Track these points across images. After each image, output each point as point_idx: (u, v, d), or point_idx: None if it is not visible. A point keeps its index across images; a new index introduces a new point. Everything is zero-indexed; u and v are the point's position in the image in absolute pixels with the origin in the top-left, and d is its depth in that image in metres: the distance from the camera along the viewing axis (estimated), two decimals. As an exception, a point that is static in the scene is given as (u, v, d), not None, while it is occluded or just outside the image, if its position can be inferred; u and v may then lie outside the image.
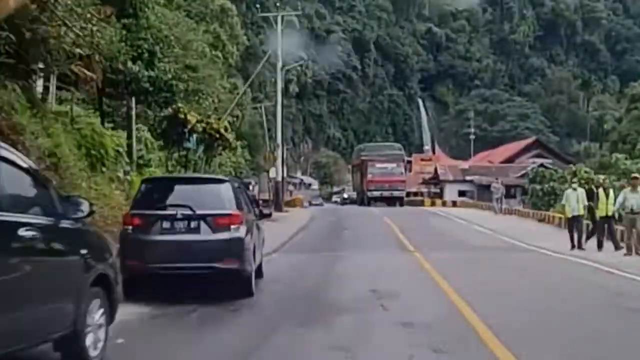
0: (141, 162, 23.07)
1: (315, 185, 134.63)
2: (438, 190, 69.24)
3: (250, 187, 20.44)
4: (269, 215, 15.36)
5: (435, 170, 71.65)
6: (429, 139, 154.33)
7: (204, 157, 27.80)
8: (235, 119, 48.94)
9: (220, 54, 49.64)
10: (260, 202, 40.21)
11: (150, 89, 18.61)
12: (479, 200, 53.45)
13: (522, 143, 77.83)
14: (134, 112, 19.60)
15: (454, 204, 54.13)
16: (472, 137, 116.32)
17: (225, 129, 27.43)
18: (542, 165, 57.40)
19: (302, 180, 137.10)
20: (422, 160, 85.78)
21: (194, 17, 45.58)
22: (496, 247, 22.17)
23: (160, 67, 18.86)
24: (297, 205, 54.60)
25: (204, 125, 26.05)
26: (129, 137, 19.53)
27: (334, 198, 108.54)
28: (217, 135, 26.66)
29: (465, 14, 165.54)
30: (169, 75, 18.87)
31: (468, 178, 65.83)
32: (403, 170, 62.01)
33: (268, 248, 19.39)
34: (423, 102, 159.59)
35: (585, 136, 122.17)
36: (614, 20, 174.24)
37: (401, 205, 56.36)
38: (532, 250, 21.08)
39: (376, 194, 58.07)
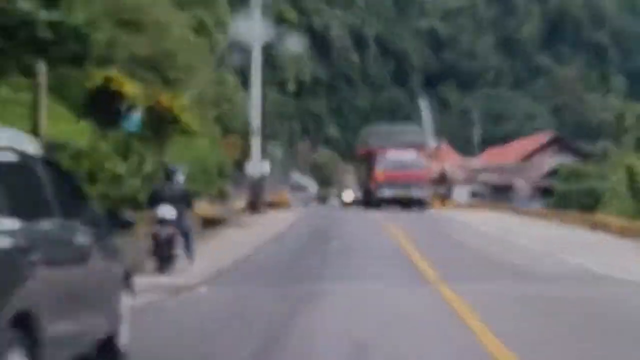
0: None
1: (313, 186, 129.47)
2: (446, 191, 63.15)
3: (178, 177, 13.97)
4: (128, 224, 8.30)
5: (443, 169, 65.54)
6: (431, 138, 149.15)
7: (153, 145, 21.69)
8: (221, 112, 43.86)
9: (206, 42, 44.50)
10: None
11: (52, 38, 12.45)
12: (492, 202, 47.64)
13: (539, 139, 71.00)
14: (43, 76, 13.73)
15: (468, 206, 48.30)
16: (477, 137, 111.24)
17: (182, 109, 21.09)
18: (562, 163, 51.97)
19: (299, 181, 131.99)
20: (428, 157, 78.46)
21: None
22: (581, 279, 13.71)
23: (68, 9, 12.66)
24: (283, 206, 47.40)
25: (150, 102, 19.68)
26: (35, 109, 13.62)
27: (332, 200, 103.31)
28: (170, 116, 20.23)
29: (469, 10, 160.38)
30: (81, 20, 12.60)
31: (480, 178, 59.87)
32: (425, 162, 45.78)
33: (204, 274, 13.67)
34: (425, 101, 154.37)
35: (594, 137, 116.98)
36: (622, 18, 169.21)
37: (422, 208, 41.82)
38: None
39: (388, 194, 42.65)
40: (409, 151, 44.68)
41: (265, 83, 35.76)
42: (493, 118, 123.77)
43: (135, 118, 18.08)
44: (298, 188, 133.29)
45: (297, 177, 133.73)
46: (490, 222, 30.55)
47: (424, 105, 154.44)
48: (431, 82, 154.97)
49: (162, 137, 20.36)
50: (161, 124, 19.56)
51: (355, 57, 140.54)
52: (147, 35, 31.56)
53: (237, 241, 21.49)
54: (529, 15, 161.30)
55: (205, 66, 42.32)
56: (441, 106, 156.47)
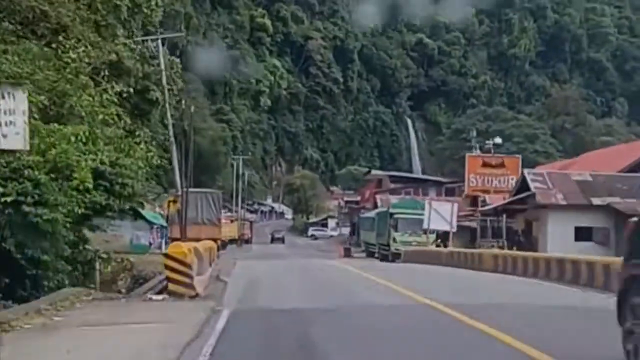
0: None
1: (289, 213, 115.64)
2: (521, 227, 38.07)
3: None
4: None
5: (524, 181, 36.61)
6: (418, 163, 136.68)
7: None
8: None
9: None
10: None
11: None
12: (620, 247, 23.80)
13: (625, 149, 46.87)
14: None
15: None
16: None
17: None
18: None
19: (272, 208, 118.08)
20: (486, 163, 44.25)
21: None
22: None
23: None
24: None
25: None
26: None
27: (311, 231, 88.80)
28: None
29: (460, 25, 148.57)
30: None
31: (597, 201, 33.66)
32: None
33: None
34: (412, 121, 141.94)
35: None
36: (622, 37, 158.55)
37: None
38: None
39: None
40: None
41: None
42: (491, 138, 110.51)
43: None
44: (273, 216, 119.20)
45: (272, 203, 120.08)
46: None
47: (411, 127, 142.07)
48: (418, 101, 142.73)
49: None
50: None
51: (337, 71, 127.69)
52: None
53: None
54: (524, 31, 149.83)
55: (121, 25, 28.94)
56: (429, 127, 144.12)
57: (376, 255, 45.00)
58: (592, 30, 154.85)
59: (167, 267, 14.43)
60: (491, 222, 42.12)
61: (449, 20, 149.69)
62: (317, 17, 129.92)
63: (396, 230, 40.87)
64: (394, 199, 55.03)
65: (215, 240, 28.61)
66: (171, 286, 14.25)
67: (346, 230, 77.92)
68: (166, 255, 14.64)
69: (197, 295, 14.16)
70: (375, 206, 57.07)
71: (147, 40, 30.71)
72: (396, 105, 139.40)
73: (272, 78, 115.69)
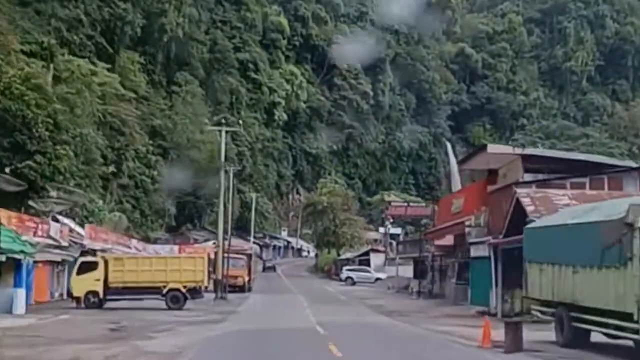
0: None
1: (310, 250, 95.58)
2: None
3: None
4: None
5: None
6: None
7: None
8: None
9: None
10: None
11: None
12: None
13: None
14: None
15: None
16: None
17: None
18: None
19: (288, 242, 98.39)
20: None
21: None
22: None
23: None
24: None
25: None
26: None
27: (346, 272, 60.18)
28: None
29: (506, 35, 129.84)
30: None
31: None
32: None
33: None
34: (452, 145, 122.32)
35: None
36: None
37: None
38: None
39: None
40: None
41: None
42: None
43: None
44: (288, 252, 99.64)
45: (287, 237, 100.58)
46: None
47: (450, 152, 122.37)
48: (460, 120, 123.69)
49: None
50: None
51: (365, 83, 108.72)
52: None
53: None
54: (580, 42, 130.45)
55: None
56: (472, 149, 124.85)
57: None
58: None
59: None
60: None
61: (494, 29, 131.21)
62: (342, 20, 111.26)
63: None
64: (561, 196, 22.19)
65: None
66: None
67: (406, 271, 50.67)
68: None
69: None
70: (519, 214, 22.95)
71: None
72: (434, 125, 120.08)
73: (288, 88, 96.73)
